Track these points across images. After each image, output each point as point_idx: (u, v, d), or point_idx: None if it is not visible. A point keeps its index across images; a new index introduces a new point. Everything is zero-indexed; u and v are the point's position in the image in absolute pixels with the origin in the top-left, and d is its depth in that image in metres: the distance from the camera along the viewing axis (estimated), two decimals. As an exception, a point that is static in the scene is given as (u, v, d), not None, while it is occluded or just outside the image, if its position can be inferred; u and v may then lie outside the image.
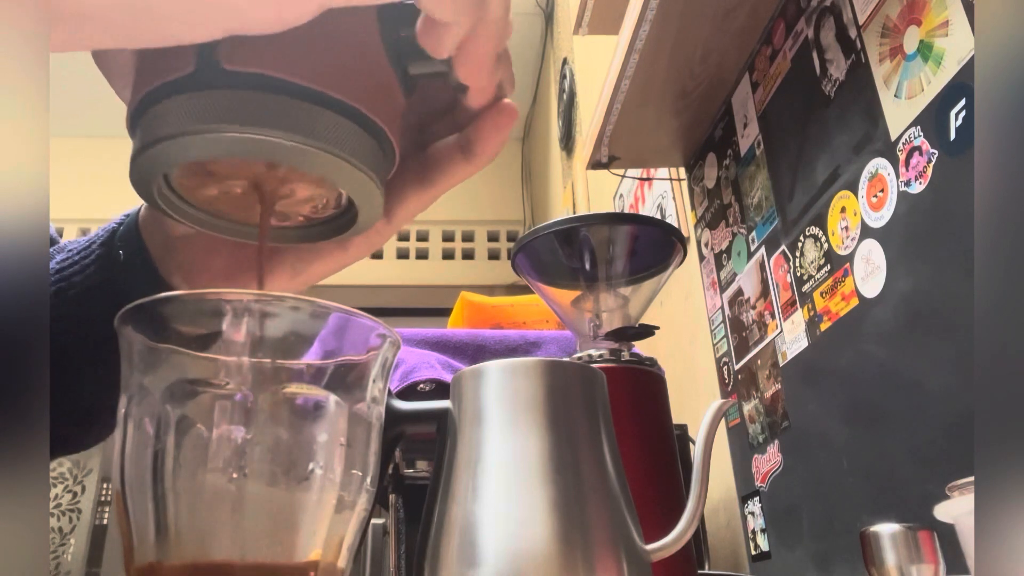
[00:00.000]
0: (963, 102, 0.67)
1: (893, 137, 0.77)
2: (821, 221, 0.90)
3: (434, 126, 0.36)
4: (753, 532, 1.06)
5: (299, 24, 0.24)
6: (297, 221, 0.33)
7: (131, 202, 0.29)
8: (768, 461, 1.01)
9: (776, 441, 1.00)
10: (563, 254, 0.72)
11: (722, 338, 1.18)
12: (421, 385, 1.01)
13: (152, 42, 0.24)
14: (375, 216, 0.31)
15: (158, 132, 0.26)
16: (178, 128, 0.26)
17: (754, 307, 1.07)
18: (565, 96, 2.46)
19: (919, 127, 0.73)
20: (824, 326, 0.89)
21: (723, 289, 1.17)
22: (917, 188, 0.73)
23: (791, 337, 0.96)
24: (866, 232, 0.81)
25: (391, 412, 0.39)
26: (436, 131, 0.35)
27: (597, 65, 2.05)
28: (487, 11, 0.27)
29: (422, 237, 3.47)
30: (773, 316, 1.01)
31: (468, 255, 3.50)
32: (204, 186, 0.30)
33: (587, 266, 0.72)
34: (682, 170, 1.36)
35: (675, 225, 0.81)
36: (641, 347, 0.73)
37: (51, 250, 0.45)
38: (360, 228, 0.32)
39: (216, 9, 0.23)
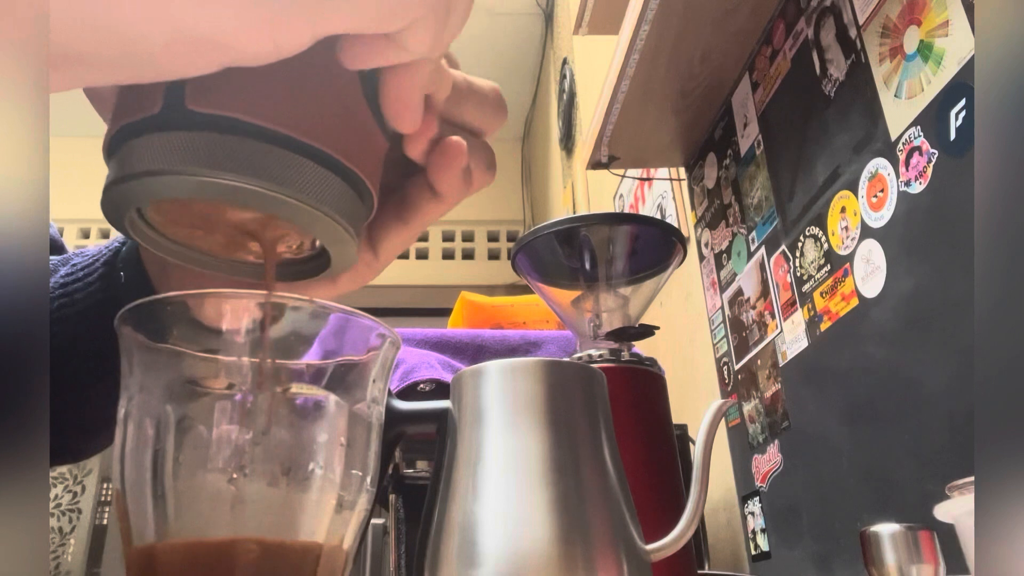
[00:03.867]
0: (963, 102, 0.67)
1: (893, 137, 0.77)
2: (821, 221, 0.90)
3: (407, 162, 0.35)
4: (753, 532, 1.06)
5: (295, 53, 0.24)
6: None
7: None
8: (768, 461, 1.01)
9: (776, 441, 1.00)
10: (563, 254, 0.72)
11: (722, 338, 1.18)
12: (421, 385, 1.01)
13: (146, 79, 0.24)
14: (348, 262, 0.30)
15: (124, 169, 0.26)
16: (142, 167, 0.25)
17: (754, 307, 1.07)
18: (565, 96, 2.46)
19: (919, 127, 0.73)
20: (824, 326, 0.89)
21: (723, 289, 1.17)
22: (917, 188, 0.73)
23: (791, 337, 0.96)
24: (866, 232, 0.81)
25: (391, 412, 0.39)
26: (409, 167, 0.35)
27: (597, 65, 2.05)
28: (417, 41, 0.25)
29: (422, 237, 3.47)
30: (773, 316, 1.01)
31: (468, 255, 3.50)
32: (181, 220, 0.30)
33: (587, 266, 0.72)
34: (682, 170, 1.36)
35: (675, 225, 0.81)
36: (641, 347, 0.73)
37: (55, 262, 0.45)
38: (334, 272, 0.31)
39: (210, 44, 0.23)
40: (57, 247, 0.50)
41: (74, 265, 0.43)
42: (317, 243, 0.31)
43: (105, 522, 2.91)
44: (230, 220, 0.29)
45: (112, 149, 0.27)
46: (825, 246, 0.89)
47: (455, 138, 0.31)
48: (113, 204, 0.27)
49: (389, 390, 0.35)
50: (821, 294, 0.90)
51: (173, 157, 0.25)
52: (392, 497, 1.04)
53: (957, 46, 0.68)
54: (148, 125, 0.25)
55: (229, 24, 0.22)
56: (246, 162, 0.25)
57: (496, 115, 0.32)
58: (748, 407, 1.08)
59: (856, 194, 0.83)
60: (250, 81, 0.25)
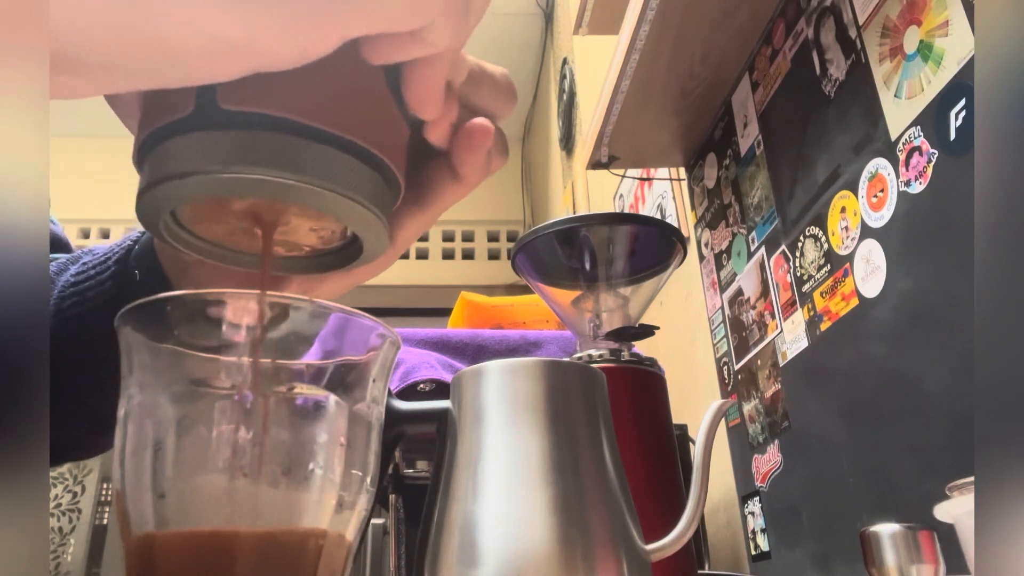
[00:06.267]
0: (963, 102, 0.67)
1: (893, 137, 0.77)
2: (821, 221, 0.90)
3: (425, 147, 0.36)
4: (753, 532, 1.06)
5: (321, 56, 0.24)
6: (304, 251, 0.33)
7: (131, 202, 0.30)
8: (768, 461, 1.01)
9: (776, 441, 1.00)
10: (563, 254, 0.72)
11: (722, 338, 1.18)
12: (421, 385, 1.01)
13: (175, 84, 0.24)
14: (381, 249, 0.31)
15: (161, 172, 0.26)
16: (179, 168, 0.26)
17: (754, 307, 1.07)
18: (565, 96, 2.46)
19: (919, 127, 0.73)
20: (824, 326, 0.89)
21: (723, 289, 1.17)
22: (917, 188, 0.73)
23: (791, 337, 0.96)
24: (866, 232, 0.81)
25: (391, 412, 0.39)
26: (427, 152, 0.35)
27: (597, 65, 2.05)
28: (439, 35, 0.26)
29: (422, 237, 3.47)
30: (773, 316, 1.01)
31: (468, 255, 3.50)
32: (209, 218, 0.30)
33: (587, 266, 0.72)
34: (682, 170, 1.36)
35: (675, 225, 0.81)
36: (641, 347, 0.73)
37: (64, 261, 0.45)
38: (366, 260, 0.32)
39: (239, 49, 0.23)
40: (63, 246, 0.50)
41: (85, 264, 0.43)
42: (348, 232, 0.31)
43: (105, 522, 2.91)
44: (245, 208, 0.30)
45: (146, 151, 0.27)
46: (825, 246, 0.89)
47: (481, 120, 0.32)
48: (155, 203, 0.27)
49: (389, 390, 0.35)
50: (821, 294, 0.90)
51: (213, 155, 0.25)
52: (392, 497, 1.04)
53: (957, 46, 0.68)
54: (184, 126, 0.26)
55: (258, 30, 0.23)
56: (284, 156, 0.26)
57: (508, 99, 0.33)
58: (748, 407, 1.08)
59: (856, 194, 0.83)
60: (279, 76, 0.25)
